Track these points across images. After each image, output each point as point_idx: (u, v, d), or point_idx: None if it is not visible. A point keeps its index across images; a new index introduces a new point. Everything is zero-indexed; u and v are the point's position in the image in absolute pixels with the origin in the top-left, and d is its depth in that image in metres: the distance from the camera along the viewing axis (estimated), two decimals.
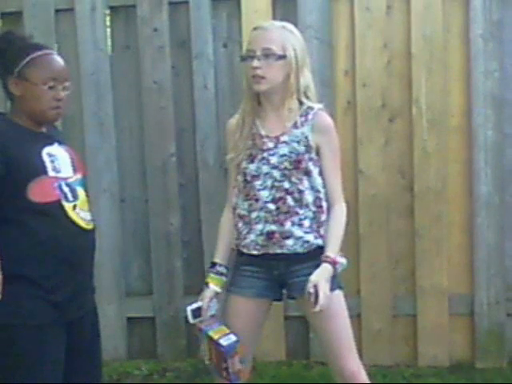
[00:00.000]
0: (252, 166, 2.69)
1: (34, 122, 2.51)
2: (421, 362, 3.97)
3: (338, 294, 2.71)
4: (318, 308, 2.56)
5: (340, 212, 2.71)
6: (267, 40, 2.64)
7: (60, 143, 2.58)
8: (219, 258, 2.81)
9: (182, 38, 4.01)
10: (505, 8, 3.81)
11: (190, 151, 4.05)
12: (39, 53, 2.48)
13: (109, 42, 4.10)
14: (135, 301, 4.20)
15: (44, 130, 2.56)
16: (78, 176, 2.56)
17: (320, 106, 2.73)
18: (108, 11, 4.08)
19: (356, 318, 3.80)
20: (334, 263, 2.62)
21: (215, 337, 2.67)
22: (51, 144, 2.53)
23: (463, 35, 3.84)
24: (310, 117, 2.68)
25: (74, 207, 2.48)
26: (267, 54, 2.62)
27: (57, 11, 4.02)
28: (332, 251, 2.64)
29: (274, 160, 2.66)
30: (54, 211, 2.43)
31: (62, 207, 2.44)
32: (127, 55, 4.08)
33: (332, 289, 2.62)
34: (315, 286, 2.56)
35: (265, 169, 2.67)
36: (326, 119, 2.72)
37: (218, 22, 4.00)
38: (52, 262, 2.42)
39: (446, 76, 3.86)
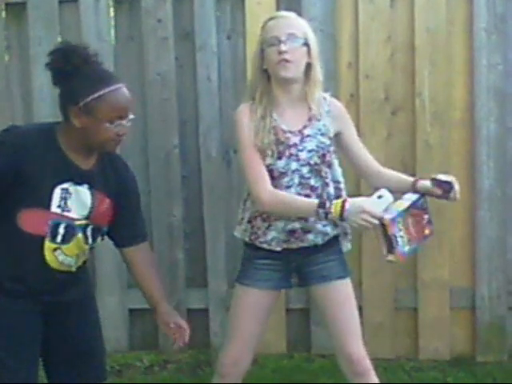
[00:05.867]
0: (280, 163, 2.64)
1: (85, 150, 2.37)
2: (422, 355, 3.97)
3: (348, 281, 2.78)
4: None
5: None
6: (291, 26, 2.66)
7: (94, 188, 2.41)
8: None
9: (185, 30, 4.01)
10: (508, 1, 3.80)
11: (193, 143, 4.05)
12: (110, 88, 2.30)
13: (112, 33, 4.09)
14: (137, 292, 4.11)
15: (91, 163, 2.41)
16: (89, 223, 2.44)
17: (327, 94, 2.78)
18: (112, 2, 4.07)
19: (357, 310, 3.79)
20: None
21: (406, 204, 2.61)
22: (79, 184, 2.38)
23: (467, 28, 3.83)
24: (325, 107, 2.71)
25: (56, 249, 2.38)
26: (292, 39, 2.62)
27: (60, 2, 4.01)
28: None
29: (303, 156, 2.65)
30: (32, 244, 2.35)
31: (42, 244, 2.36)
32: (131, 46, 4.08)
33: (344, 276, 2.74)
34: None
35: (293, 165, 2.64)
36: (339, 104, 2.81)
37: (222, 13, 3.99)
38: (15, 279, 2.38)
39: (450, 69, 3.85)
